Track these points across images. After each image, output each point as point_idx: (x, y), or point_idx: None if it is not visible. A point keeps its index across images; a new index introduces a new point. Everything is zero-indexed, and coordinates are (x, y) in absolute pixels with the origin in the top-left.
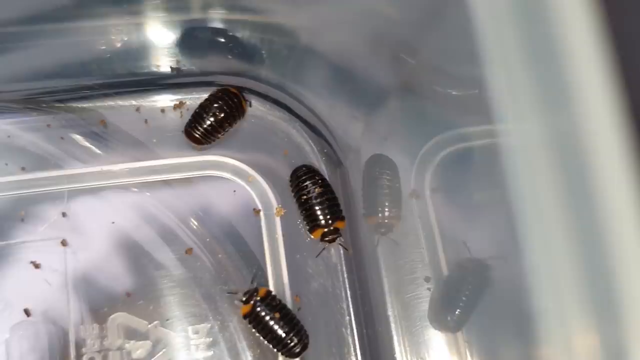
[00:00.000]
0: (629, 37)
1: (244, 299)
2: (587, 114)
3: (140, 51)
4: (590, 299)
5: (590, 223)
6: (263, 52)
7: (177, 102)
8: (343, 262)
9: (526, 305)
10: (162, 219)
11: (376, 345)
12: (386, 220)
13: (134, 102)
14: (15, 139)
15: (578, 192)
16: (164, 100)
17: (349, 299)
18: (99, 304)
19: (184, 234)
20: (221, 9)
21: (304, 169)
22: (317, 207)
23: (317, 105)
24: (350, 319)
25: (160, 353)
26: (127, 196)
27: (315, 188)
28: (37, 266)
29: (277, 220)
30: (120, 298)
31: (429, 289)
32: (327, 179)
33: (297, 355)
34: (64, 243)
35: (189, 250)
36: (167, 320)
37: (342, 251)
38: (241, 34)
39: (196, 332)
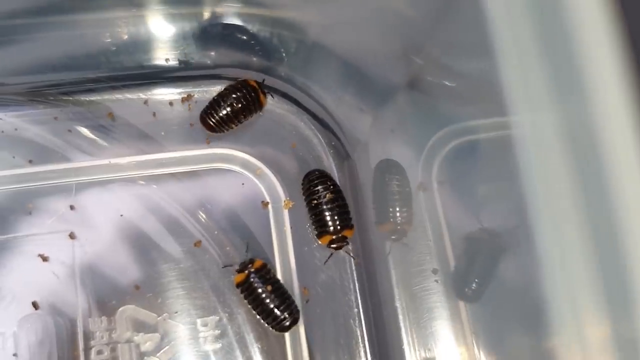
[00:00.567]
0: None
1: (238, 268)
2: (601, 104)
3: (148, 44)
4: (603, 290)
5: (603, 214)
6: (272, 45)
7: (185, 95)
8: (351, 255)
9: (536, 296)
10: (170, 212)
11: (384, 337)
12: (398, 227)
13: (141, 95)
14: (22, 131)
15: (591, 183)
16: (172, 93)
17: (357, 291)
18: (107, 297)
19: (192, 227)
20: (230, 2)
21: (316, 173)
22: (326, 213)
23: (325, 99)
24: (358, 311)
25: (169, 346)
26: (134, 189)
27: (326, 193)
28: (45, 259)
29: (285, 212)
30: (128, 291)
31: (436, 280)
32: (338, 181)
33: (287, 329)
34: (72, 236)
35: (197, 243)
36: (176, 312)
37: (350, 245)
38: (250, 27)
39: (204, 325)
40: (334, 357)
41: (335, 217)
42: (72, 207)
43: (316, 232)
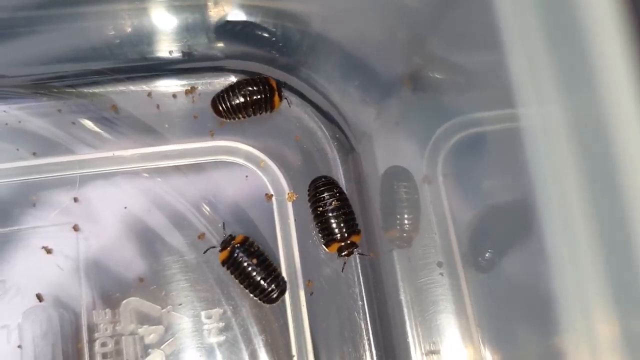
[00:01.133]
0: None
1: (220, 246)
2: (610, 96)
3: (152, 36)
4: (613, 289)
5: (613, 208)
6: (275, 37)
7: (189, 88)
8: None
9: (543, 291)
10: (174, 205)
11: (388, 329)
12: (405, 234)
13: (145, 87)
14: (26, 124)
15: (601, 176)
16: (176, 85)
17: (362, 284)
18: (111, 289)
19: (196, 219)
20: None
21: (323, 179)
22: (332, 221)
23: (330, 91)
24: (363, 304)
25: (173, 338)
26: (138, 182)
27: (332, 201)
28: (49, 251)
29: (289, 205)
30: (132, 283)
31: (441, 274)
32: (342, 175)
33: (274, 301)
34: (75, 228)
35: (201, 236)
36: (180, 305)
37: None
38: (254, 18)
39: (209, 317)
40: (338, 350)
41: (342, 224)
42: (75, 200)
43: (323, 241)
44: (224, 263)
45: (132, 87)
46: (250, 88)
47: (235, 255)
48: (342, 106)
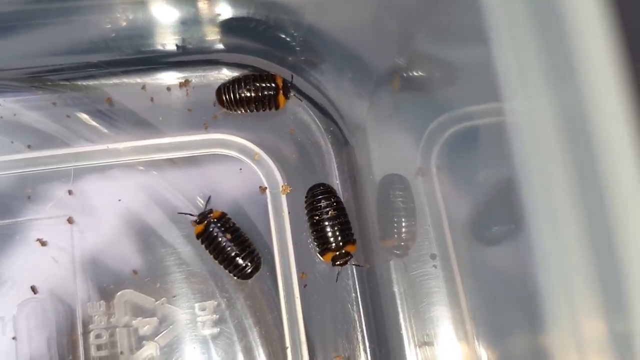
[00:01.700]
0: (637, 13)
1: (197, 219)
2: (595, 90)
3: (146, 29)
4: (599, 285)
5: (598, 202)
6: (269, 29)
7: (183, 80)
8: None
9: (532, 285)
10: (169, 197)
11: (382, 321)
12: (402, 243)
13: (139, 80)
14: (21, 117)
15: (586, 169)
16: (170, 78)
17: (355, 276)
18: (106, 282)
19: (191, 212)
20: None
21: (321, 188)
22: (328, 230)
23: (323, 84)
24: (356, 296)
25: (167, 330)
26: (133, 174)
27: (329, 210)
28: (43, 244)
29: (283, 198)
30: (127, 275)
31: (434, 266)
32: (340, 190)
33: (249, 276)
34: (70, 221)
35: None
36: (174, 297)
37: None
38: (247, 11)
39: (203, 309)
40: (331, 341)
41: (337, 234)
42: (70, 193)
43: (318, 250)
44: (198, 236)
45: (127, 80)
46: (255, 83)
47: (211, 229)
48: (336, 99)
